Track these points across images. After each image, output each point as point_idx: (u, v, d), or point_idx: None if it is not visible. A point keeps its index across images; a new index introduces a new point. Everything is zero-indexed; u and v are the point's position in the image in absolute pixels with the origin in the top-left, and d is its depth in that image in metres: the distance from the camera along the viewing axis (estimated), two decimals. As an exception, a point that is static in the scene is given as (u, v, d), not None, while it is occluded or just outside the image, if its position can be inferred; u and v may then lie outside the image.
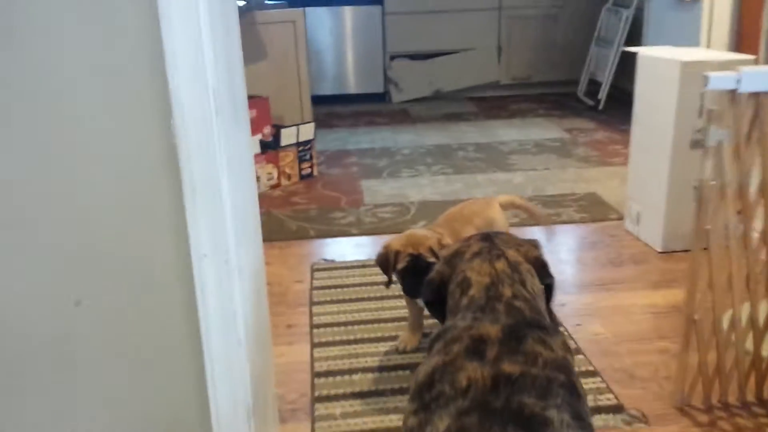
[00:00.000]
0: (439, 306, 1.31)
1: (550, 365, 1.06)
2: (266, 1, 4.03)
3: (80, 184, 1.15)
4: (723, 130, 1.57)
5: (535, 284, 1.22)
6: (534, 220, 2.65)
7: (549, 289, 1.28)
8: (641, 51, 2.83)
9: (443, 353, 1.14)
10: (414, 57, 5.90)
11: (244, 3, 3.82)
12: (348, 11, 5.74)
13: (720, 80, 1.52)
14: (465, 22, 5.85)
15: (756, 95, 1.56)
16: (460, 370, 1.07)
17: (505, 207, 2.41)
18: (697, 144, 2.67)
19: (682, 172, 2.70)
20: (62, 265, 1.18)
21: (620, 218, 3.16)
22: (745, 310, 1.78)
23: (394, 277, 2.04)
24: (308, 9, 5.65)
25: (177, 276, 1.19)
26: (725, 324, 1.78)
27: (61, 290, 1.19)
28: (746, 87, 1.52)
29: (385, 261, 2.01)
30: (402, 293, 2.10)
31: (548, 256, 1.32)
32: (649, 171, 2.83)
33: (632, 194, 2.99)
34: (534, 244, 1.30)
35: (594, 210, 3.30)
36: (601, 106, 5.32)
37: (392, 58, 5.87)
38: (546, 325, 1.13)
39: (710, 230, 1.67)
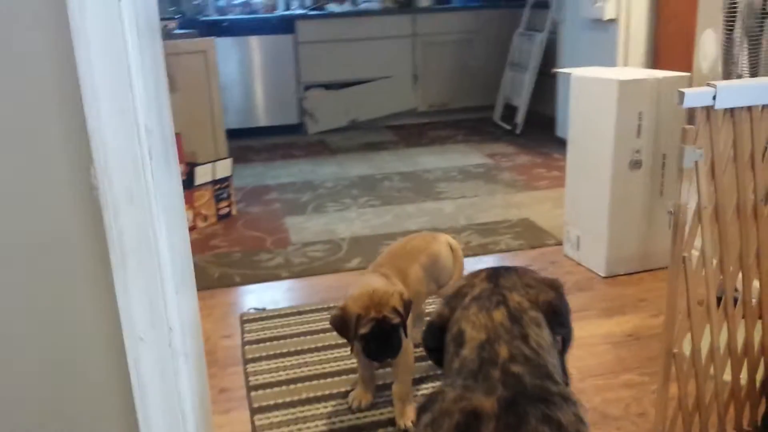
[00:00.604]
0: (439, 353, 1.12)
1: None
2: (174, 31, 3.75)
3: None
4: (699, 150, 1.46)
5: (542, 336, 1.04)
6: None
7: (564, 340, 1.10)
8: (574, 72, 2.78)
9: (431, 430, 0.95)
10: (329, 86, 5.74)
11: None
12: (258, 41, 5.51)
13: (695, 97, 1.42)
14: (379, 50, 5.75)
15: (731, 111, 1.47)
16: None
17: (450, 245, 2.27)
18: (636, 164, 2.62)
19: (623, 193, 2.64)
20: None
21: (558, 243, 3.08)
22: (722, 338, 1.68)
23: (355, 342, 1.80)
24: (217, 39, 5.38)
25: (106, 369, 0.93)
26: (703, 354, 1.67)
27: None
28: (722, 103, 1.43)
29: (344, 325, 1.78)
30: (351, 350, 1.87)
31: None
32: (587, 194, 2.76)
33: (570, 219, 2.91)
34: (551, 284, 1.12)
35: (530, 236, 3.20)
36: (518, 130, 5.33)
37: (306, 88, 5.68)
38: (552, 395, 0.95)
39: (687, 257, 1.56)
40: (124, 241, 0.87)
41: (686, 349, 1.66)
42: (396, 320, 1.75)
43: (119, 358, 0.94)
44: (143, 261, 0.88)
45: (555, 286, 1.12)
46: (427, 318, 1.38)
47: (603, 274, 2.72)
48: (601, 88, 2.60)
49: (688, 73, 2.63)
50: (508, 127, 5.45)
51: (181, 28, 4.63)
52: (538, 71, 5.22)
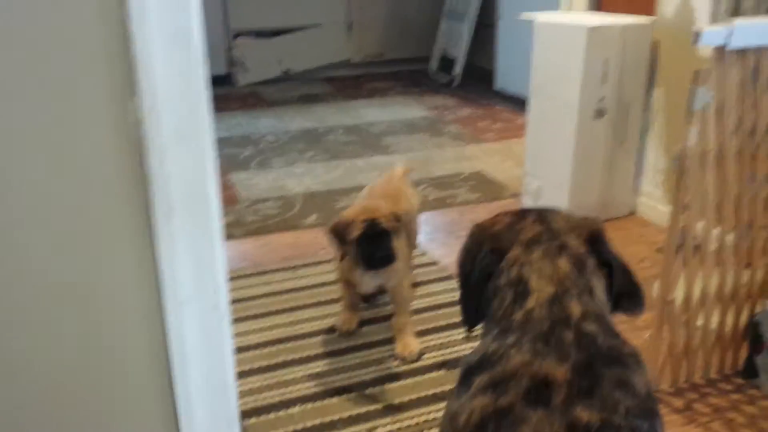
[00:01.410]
0: (473, 290, 1.02)
1: (632, 413, 0.83)
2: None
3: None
4: (711, 91, 1.43)
5: (602, 289, 0.97)
6: None
7: (610, 273, 1.02)
8: (538, 18, 2.71)
9: (492, 393, 0.87)
10: (260, 34, 5.45)
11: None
12: (179, -14, 5.14)
13: (711, 35, 1.38)
14: (311, -3, 5.50)
15: (743, 52, 1.44)
16: (523, 423, 0.81)
17: (406, 175, 2.34)
18: (600, 113, 2.61)
19: (587, 142, 2.63)
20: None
21: (514, 195, 3.06)
22: (713, 283, 1.69)
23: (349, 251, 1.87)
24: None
25: (146, 335, 0.80)
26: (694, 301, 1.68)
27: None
28: (737, 42, 1.39)
29: (339, 231, 1.84)
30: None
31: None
32: (550, 144, 2.74)
33: (530, 170, 2.89)
34: (594, 220, 1.04)
35: (486, 189, 3.17)
36: (456, 83, 5.27)
37: (235, 36, 5.38)
38: (625, 357, 0.89)
39: (689, 204, 1.54)
40: (170, 190, 0.74)
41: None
42: (388, 224, 1.79)
43: (159, 323, 0.81)
44: (193, 215, 0.74)
45: (597, 221, 1.04)
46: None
47: (565, 225, 2.72)
48: (568, 34, 2.55)
49: (653, 17, 2.61)
50: (446, 79, 5.38)
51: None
52: (475, 21, 5.15)
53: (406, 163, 2.45)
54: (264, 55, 5.48)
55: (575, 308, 0.90)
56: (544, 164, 2.80)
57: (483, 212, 2.92)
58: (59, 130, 0.74)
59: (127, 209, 0.77)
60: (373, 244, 1.80)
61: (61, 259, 0.79)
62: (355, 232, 1.80)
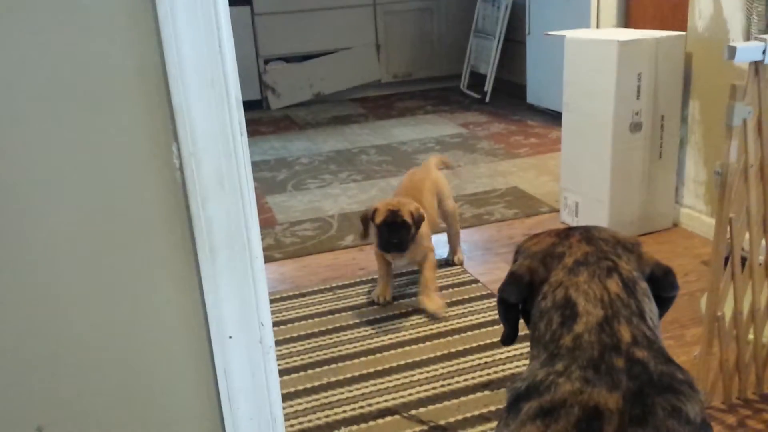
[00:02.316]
0: (515, 311, 1.02)
1: None
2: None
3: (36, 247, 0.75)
4: (748, 106, 1.42)
5: (654, 311, 0.96)
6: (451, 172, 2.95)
7: (667, 302, 1.02)
8: (568, 35, 2.71)
9: (542, 423, 0.85)
10: (290, 59, 5.55)
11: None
12: (212, 14, 5.26)
13: (746, 51, 1.37)
14: (340, 20, 5.58)
15: (785, 66, 1.43)
16: None
17: (438, 166, 2.68)
18: (636, 127, 2.59)
19: (623, 156, 2.61)
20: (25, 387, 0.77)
21: (552, 211, 3.05)
22: (763, 296, 1.66)
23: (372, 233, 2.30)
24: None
25: (192, 370, 0.82)
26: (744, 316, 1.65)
27: (23, 415, 0.78)
28: (778, 57, 1.38)
29: (365, 217, 2.29)
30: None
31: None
32: (586, 159, 2.72)
33: (567, 185, 2.87)
34: (636, 242, 1.03)
35: (523, 205, 3.16)
36: (487, 99, 5.28)
37: (266, 61, 5.48)
38: (680, 384, 0.87)
39: (734, 218, 1.52)
40: (213, 232, 0.76)
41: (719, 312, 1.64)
42: (406, 219, 2.17)
43: (205, 358, 0.83)
44: (235, 253, 0.77)
45: (639, 243, 1.03)
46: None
47: (605, 239, 2.70)
48: (600, 49, 2.55)
49: (684, 32, 2.60)
50: (477, 96, 5.40)
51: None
52: (504, 38, 5.16)
53: (441, 157, 2.83)
54: (295, 79, 5.56)
55: (625, 333, 0.88)
56: (580, 179, 2.78)
57: (521, 228, 2.91)
58: (106, 176, 0.78)
59: (173, 250, 0.80)
60: (391, 232, 2.18)
61: (110, 299, 0.82)
62: (379, 219, 2.19)
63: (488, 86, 5.28)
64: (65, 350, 0.82)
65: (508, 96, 5.31)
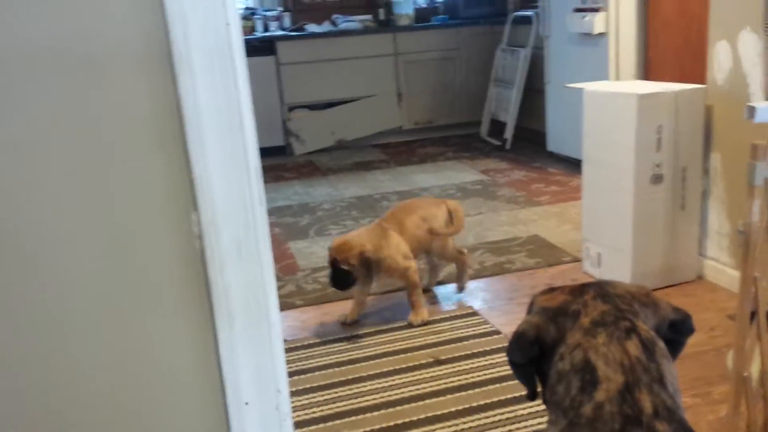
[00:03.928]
0: (524, 369, 1.01)
1: None
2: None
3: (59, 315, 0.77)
4: (771, 165, 1.42)
5: (674, 374, 0.95)
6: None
7: (682, 345, 1.01)
8: (587, 87, 2.75)
9: None
10: (313, 107, 5.65)
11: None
12: (238, 63, 5.40)
13: (766, 111, 1.38)
14: (362, 69, 5.69)
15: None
16: None
17: (449, 209, 2.74)
18: (657, 179, 2.60)
19: (645, 208, 2.61)
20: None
21: (574, 260, 3.03)
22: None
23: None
24: (197, 62, 5.26)
25: None
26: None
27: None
28: (798, 117, 1.39)
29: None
30: None
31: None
32: (608, 210, 2.72)
33: (589, 235, 2.87)
34: (649, 292, 1.02)
35: (544, 254, 3.15)
36: (508, 146, 5.32)
37: (291, 109, 5.59)
38: None
39: (759, 277, 1.51)
40: (231, 299, 0.78)
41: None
42: (345, 267, 2.42)
43: (222, 423, 0.84)
44: (252, 320, 0.79)
45: (650, 293, 1.02)
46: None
47: (627, 291, 2.68)
48: (619, 102, 2.58)
49: (703, 85, 2.62)
50: (497, 143, 5.44)
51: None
52: (524, 87, 5.23)
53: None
54: (318, 126, 5.66)
55: (646, 403, 0.87)
56: (602, 230, 2.78)
57: (543, 278, 2.90)
58: (127, 242, 0.80)
59: (191, 315, 0.82)
60: (334, 273, 2.46)
61: (127, 362, 0.84)
62: (329, 270, 2.49)
63: (508, 133, 5.32)
64: (80, 413, 0.83)
65: (528, 143, 5.35)
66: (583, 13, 4.19)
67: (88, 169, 0.80)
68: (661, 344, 0.95)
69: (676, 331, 0.98)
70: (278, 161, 5.45)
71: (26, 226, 0.80)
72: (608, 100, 2.64)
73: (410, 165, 5.09)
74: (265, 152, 5.63)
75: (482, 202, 4.05)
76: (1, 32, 0.77)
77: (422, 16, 6.06)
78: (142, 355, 0.82)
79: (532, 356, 0.97)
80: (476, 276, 2.96)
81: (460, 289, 2.81)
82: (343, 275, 2.44)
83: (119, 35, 0.78)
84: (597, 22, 4.09)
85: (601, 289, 0.99)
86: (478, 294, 2.82)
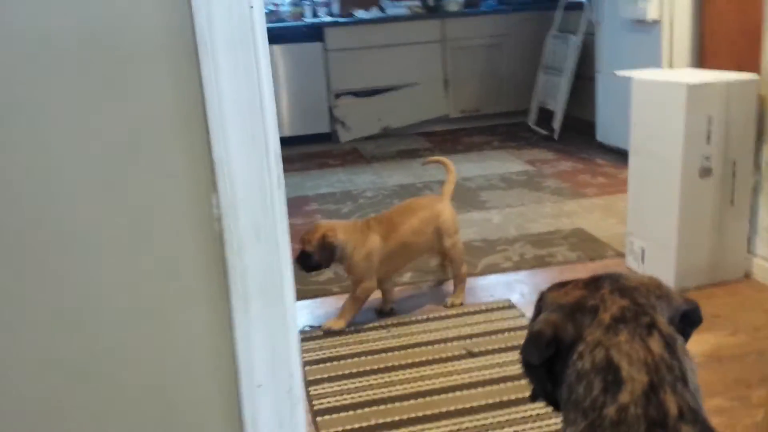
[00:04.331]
0: (539, 371, 0.98)
1: None
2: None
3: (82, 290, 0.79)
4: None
5: (693, 369, 0.91)
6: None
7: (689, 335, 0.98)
8: (636, 75, 2.66)
9: None
10: (359, 94, 5.65)
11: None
12: (286, 49, 5.44)
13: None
14: (409, 56, 5.65)
15: None
16: None
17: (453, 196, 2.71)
18: (706, 172, 2.50)
19: (693, 202, 2.52)
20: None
21: (618, 255, 2.96)
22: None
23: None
24: (245, 48, 5.32)
25: (221, 416, 0.84)
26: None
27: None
28: None
29: None
30: None
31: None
32: (653, 204, 2.64)
33: (633, 229, 2.79)
34: (659, 282, 0.99)
35: (587, 247, 3.09)
36: (556, 136, 5.21)
37: (337, 96, 5.60)
38: None
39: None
40: (248, 282, 0.79)
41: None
42: (307, 248, 2.41)
43: (234, 405, 0.85)
44: (268, 304, 0.79)
45: (690, 301, 0.98)
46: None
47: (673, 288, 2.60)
48: (668, 92, 2.49)
49: (756, 75, 2.51)
50: (545, 132, 5.34)
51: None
52: (574, 74, 5.10)
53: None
54: (364, 113, 5.66)
55: (672, 405, 0.84)
56: (647, 224, 2.70)
57: (584, 272, 2.83)
58: (150, 223, 0.81)
59: (210, 297, 0.82)
60: (301, 254, 2.42)
61: (146, 341, 0.85)
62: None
63: (557, 123, 5.21)
64: (99, 391, 0.85)
65: (576, 133, 5.23)
66: (636, -1, 4.06)
67: (115, 152, 0.82)
68: (681, 340, 0.92)
69: (686, 322, 0.95)
70: (324, 148, 5.47)
71: (55, 208, 0.83)
72: (657, 89, 2.55)
73: (455, 154, 5.04)
74: (311, 139, 5.70)
75: (526, 193, 3.98)
76: (30, 20, 0.79)
77: (471, 2, 5.97)
78: (159, 333, 0.84)
79: (549, 355, 0.94)
80: (515, 268, 2.92)
81: (453, 305, 2.58)
82: (305, 257, 2.43)
83: (145, 22, 0.79)
84: (650, 9, 3.96)
85: (617, 283, 0.95)
86: (515, 286, 2.78)
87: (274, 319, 0.81)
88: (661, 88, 2.53)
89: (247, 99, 0.74)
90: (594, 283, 0.96)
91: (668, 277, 2.61)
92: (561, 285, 1.01)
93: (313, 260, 2.42)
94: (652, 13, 3.96)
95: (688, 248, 2.56)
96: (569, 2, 5.28)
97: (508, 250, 3.12)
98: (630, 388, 0.86)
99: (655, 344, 0.89)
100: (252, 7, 0.72)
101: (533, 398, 1.03)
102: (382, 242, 2.46)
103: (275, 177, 0.77)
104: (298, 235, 2.78)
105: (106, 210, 0.82)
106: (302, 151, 5.45)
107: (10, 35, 0.76)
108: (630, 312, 0.91)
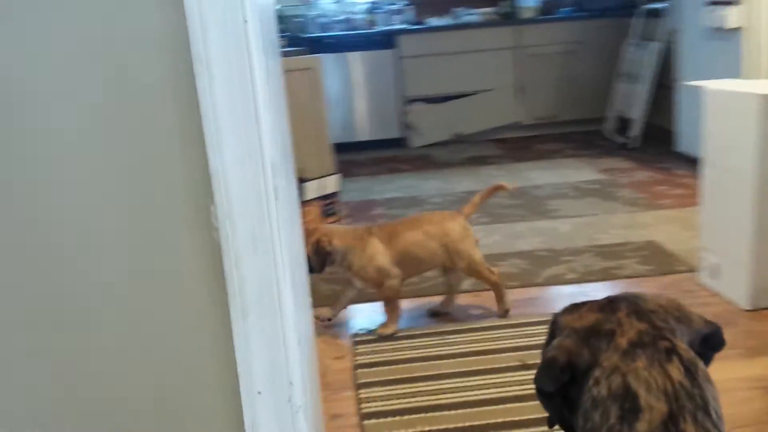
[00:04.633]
0: (553, 399, 0.95)
1: None
2: (283, 48, 3.78)
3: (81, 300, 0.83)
4: None
5: (716, 397, 0.87)
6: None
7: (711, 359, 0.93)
8: (707, 85, 2.54)
9: None
10: (431, 100, 5.65)
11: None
12: (360, 56, 5.51)
13: None
14: (482, 63, 5.61)
15: None
16: None
17: (474, 213, 2.67)
18: (786, 185, 2.36)
19: (770, 217, 2.38)
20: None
21: (691, 270, 2.83)
22: None
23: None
24: (320, 56, 5.42)
25: (222, 422, 0.86)
26: None
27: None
28: None
29: None
30: None
31: None
32: (728, 217, 2.51)
33: (707, 244, 2.66)
34: (680, 305, 0.94)
35: (658, 261, 2.96)
36: (633, 144, 5.04)
37: (409, 102, 5.62)
38: None
39: None
40: (245, 292, 0.80)
41: None
42: (306, 248, 2.35)
43: (235, 411, 0.87)
44: (265, 313, 0.80)
45: (689, 312, 0.93)
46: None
47: (747, 307, 2.46)
48: (741, 102, 2.36)
49: None
50: (622, 141, 5.17)
51: (287, 45, 4.69)
52: (653, 82, 4.92)
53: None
54: (435, 119, 5.65)
55: None
56: (721, 239, 2.57)
57: (652, 286, 2.73)
58: (148, 233, 0.84)
59: (209, 305, 0.84)
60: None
61: (149, 348, 0.87)
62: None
63: (634, 131, 5.04)
64: (103, 397, 0.88)
65: (656, 142, 5.04)
66: (717, 7, 3.88)
67: (114, 164, 0.84)
68: (702, 366, 0.87)
69: (707, 345, 0.90)
70: (394, 153, 5.51)
71: (55, 218, 0.84)
72: (730, 100, 2.43)
73: (526, 161, 4.96)
74: (383, 144, 5.74)
75: (598, 203, 3.87)
76: (35, 32, 0.80)
77: (547, 8, 5.87)
78: (160, 340, 0.86)
79: (565, 381, 0.91)
80: (579, 280, 2.84)
81: (504, 312, 2.55)
82: (308, 257, 2.42)
83: (142, 35, 0.80)
84: (731, 17, 3.79)
85: (634, 305, 0.91)
86: (578, 299, 2.67)
87: (272, 329, 0.82)
88: (733, 99, 2.41)
89: (242, 112, 0.75)
90: (610, 305, 0.93)
91: (743, 295, 2.48)
92: (575, 307, 0.97)
93: (307, 263, 2.41)
94: (733, 21, 3.78)
95: (763, 265, 2.42)
96: (648, 9, 5.10)
97: (573, 261, 3.04)
98: (648, 417, 0.82)
99: (675, 371, 0.84)
100: (246, 21, 0.73)
101: (550, 425, 1.00)
102: (384, 246, 2.45)
103: (271, 189, 0.78)
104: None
105: (107, 220, 0.84)
106: (373, 155, 5.50)
107: (10, 34, 0.77)
108: (648, 336, 0.87)
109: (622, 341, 0.88)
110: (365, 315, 2.68)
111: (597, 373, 0.88)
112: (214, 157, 0.75)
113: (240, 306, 0.81)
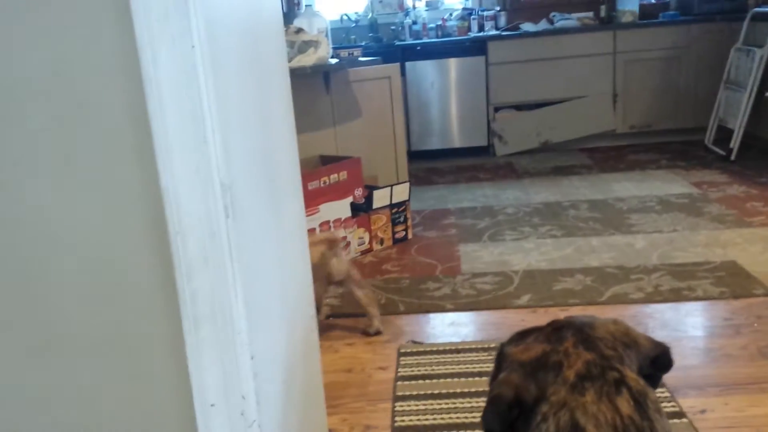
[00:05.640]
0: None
1: None
2: (359, 58, 3.86)
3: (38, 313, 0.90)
4: None
5: (668, 428, 0.83)
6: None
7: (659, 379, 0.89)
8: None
9: None
10: (520, 107, 5.55)
11: (336, 61, 3.66)
12: (451, 63, 5.51)
13: None
14: (575, 69, 5.44)
15: None
16: None
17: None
18: None
19: None
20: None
21: (769, 294, 2.63)
22: None
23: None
24: (410, 63, 5.47)
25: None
26: None
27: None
28: None
29: None
30: None
31: (673, 343, 0.94)
32: (808, 240, 2.31)
33: (786, 267, 2.46)
34: (626, 328, 0.90)
35: (735, 283, 2.77)
36: (733, 156, 4.72)
37: (497, 109, 5.55)
38: None
39: None
40: (197, 306, 0.84)
41: None
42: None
43: (190, 423, 0.91)
44: (217, 327, 0.84)
45: (629, 328, 0.89)
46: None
47: (824, 338, 2.26)
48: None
49: None
50: (721, 153, 4.86)
51: (377, 53, 4.77)
52: (758, 91, 4.59)
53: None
54: (523, 126, 5.55)
55: None
56: (800, 263, 2.37)
57: (721, 310, 2.57)
58: (105, 244, 0.89)
59: (164, 318, 0.89)
60: None
61: (99, 364, 0.92)
62: None
63: (735, 142, 4.72)
64: (56, 407, 0.92)
65: (760, 154, 4.70)
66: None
67: (73, 175, 0.87)
68: (653, 395, 0.84)
69: (657, 366, 0.86)
70: (478, 161, 5.46)
71: (14, 233, 0.89)
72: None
73: (614, 172, 4.77)
74: (468, 152, 5.70)
75: (682, 218, 3.66)
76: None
77: (648, 13, 5.60)
78: (116, 350, 0.91)
79: (513, 419, 0.89)
80: (646, 300, 2.71)
81: (371, 331, 2.64)
82: None
83: (94, 61, 0.83)
84: None
85: (581, 333, 0.88)
86: (641, 320, 2.58)
87: (224, 343, 0.86)
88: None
89: (192, 132, 0.80)
90: (556, 333, 0.90)
91: (821, 327, 2.27)
92: (521, 336, 0.95)
93: None
94: None
95: None
96: (758, 13, 4.76)
97: (642, 280, 2.90)
98: None
99: (624, 404, 0.82)
100: (193, 46, 0.78)
101: None
102: None
103: (221, 207, 0.81)
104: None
105: (62, 234, 0.87)
106: (457, 163, 5.48)
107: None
108: (596, 368, 0.85)
109: (570, 374, 0.86)
110: (419, 327, 2.69)
111: (545, 408, 0.86)
112: (165, 174, 0.81)
113: (192, 319, 0.85)
